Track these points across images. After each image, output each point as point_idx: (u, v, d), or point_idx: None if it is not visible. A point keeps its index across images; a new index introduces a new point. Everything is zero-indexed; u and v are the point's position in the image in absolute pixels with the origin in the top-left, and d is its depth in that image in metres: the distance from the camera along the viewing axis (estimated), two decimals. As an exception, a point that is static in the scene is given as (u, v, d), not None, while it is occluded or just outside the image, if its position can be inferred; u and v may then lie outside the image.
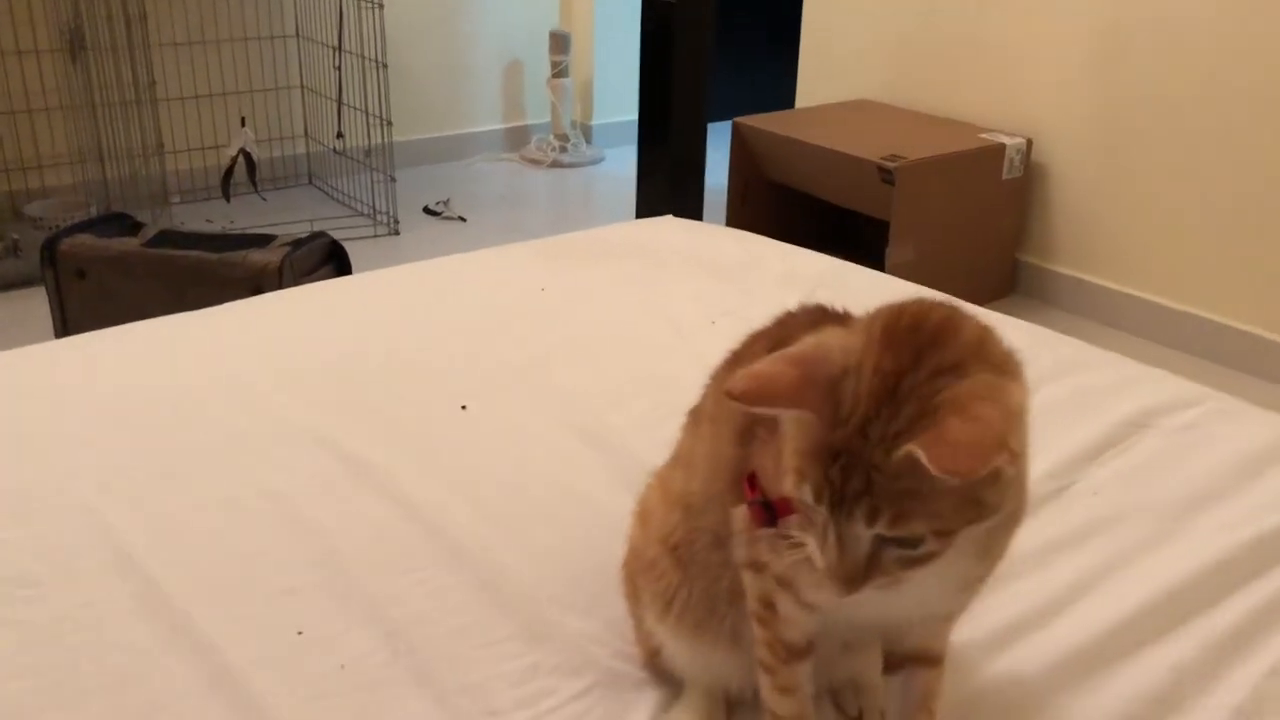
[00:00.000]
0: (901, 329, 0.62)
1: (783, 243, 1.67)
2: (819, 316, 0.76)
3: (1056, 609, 0.89)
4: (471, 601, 0.88)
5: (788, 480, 0.61)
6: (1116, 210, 2.87)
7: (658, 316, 1.39)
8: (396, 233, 3.47)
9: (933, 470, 0.54)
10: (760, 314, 1.41)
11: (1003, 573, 0.72)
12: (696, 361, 1.24)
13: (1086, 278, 2.98)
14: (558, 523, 0.98)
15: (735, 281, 1.50)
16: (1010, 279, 3.14)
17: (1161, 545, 0.97)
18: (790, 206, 3.23)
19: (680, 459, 0.82)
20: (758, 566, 0.70)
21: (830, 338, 0.65)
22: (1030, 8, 2.92)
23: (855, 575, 0.59)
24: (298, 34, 3.73)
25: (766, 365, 0.62)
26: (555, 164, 4.25)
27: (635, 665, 0.82)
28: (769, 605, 0.70)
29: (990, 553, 0.66)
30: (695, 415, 0.83)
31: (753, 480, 0.69)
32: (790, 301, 1.44)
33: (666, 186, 1.93)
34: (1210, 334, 2.71)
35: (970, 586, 0.68)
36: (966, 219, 2.96)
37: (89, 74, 3.13)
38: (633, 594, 0.83)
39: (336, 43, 3.53)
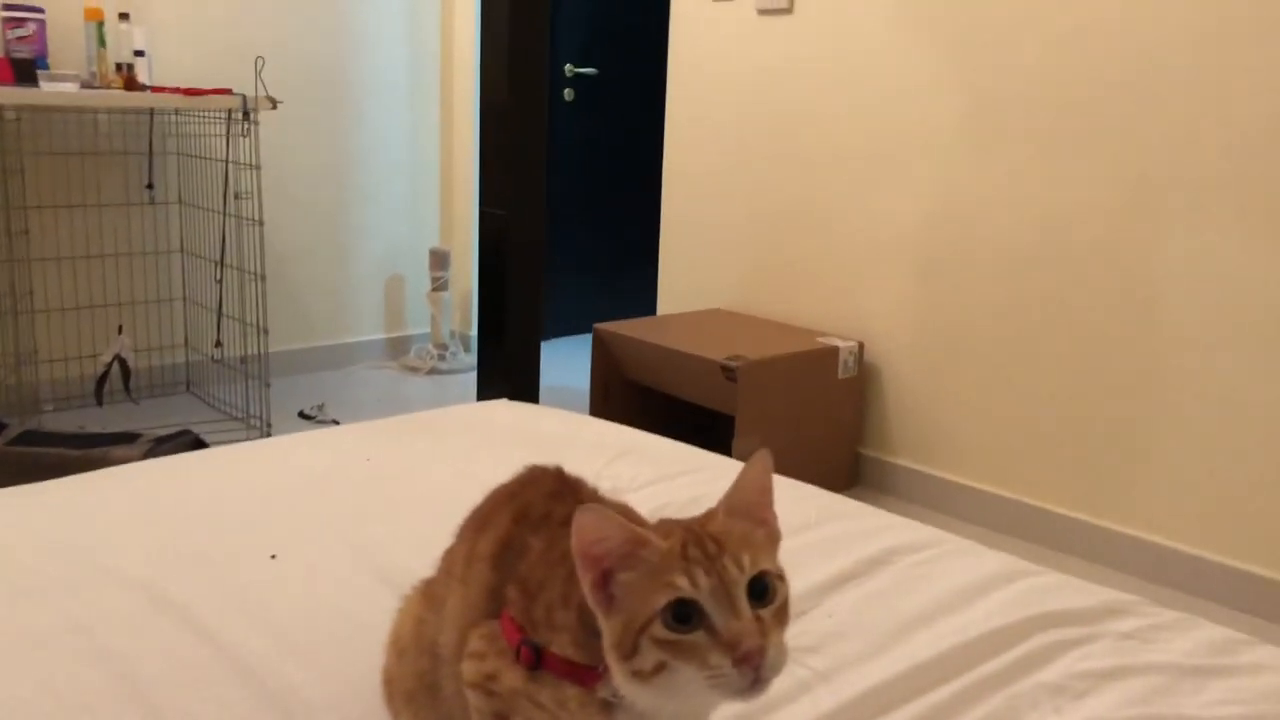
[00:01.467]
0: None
1: (602, 420, 1.84)
2: (558, 483, 0.92)
3: (781, 704, 1.02)
4: (256, 713, 0.97)
5: (658, 597, 0.70)
6: (942, 405, 3.14)
7: (471, 480, 1.52)
8: (269, 436, 3.56)
9: (752, 478, 0.76)
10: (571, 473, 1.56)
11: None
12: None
13: (921, 469, 3.21)
14: (347, 647, 1.08)
15: (549, 451, 1.65)
16: (853, 471, 3.36)
17: (874, 657, 1.11)
18: (648, 403, 3.43)
19: (434, 600, 0.91)
20: (488, 689, 0.80)
21: None
22: (859, 229, 3.27)
23: (761, 631, 0.70)
24: (182, 249, 3.92)
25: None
26: (434, 371, 4.43)
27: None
28: None
29: None
30: (448, 562, 0.93)
31: (512, 622, 0.80)
32: (597, 464, 1.60)
33: (505, 388, 2.08)
34: (1034, 519, 2.93)
35: None
36: (807, 414, 3.19)
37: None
38: (393, 707, 0.94)
39: (219, 257, 3.72)
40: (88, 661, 1.03)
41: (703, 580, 0.70)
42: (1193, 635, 1.17)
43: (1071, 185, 2.77)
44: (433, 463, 1.61)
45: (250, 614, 1.13)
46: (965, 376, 3.06)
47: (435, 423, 1.81)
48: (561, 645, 0.77)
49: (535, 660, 0.77)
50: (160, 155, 3.81)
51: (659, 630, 0.70)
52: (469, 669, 0.81)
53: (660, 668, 0.70)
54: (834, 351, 3.21)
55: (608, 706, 0.75)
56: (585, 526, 0.72)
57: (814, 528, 1.40)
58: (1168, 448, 2.66)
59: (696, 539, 0.73)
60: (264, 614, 1.13)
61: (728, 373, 3.01)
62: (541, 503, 0.88)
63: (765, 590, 0.73)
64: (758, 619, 0.71)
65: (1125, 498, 2.75)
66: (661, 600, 0.70)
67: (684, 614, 0.70)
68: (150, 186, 3.80)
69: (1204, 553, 2.62)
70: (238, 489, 1.50)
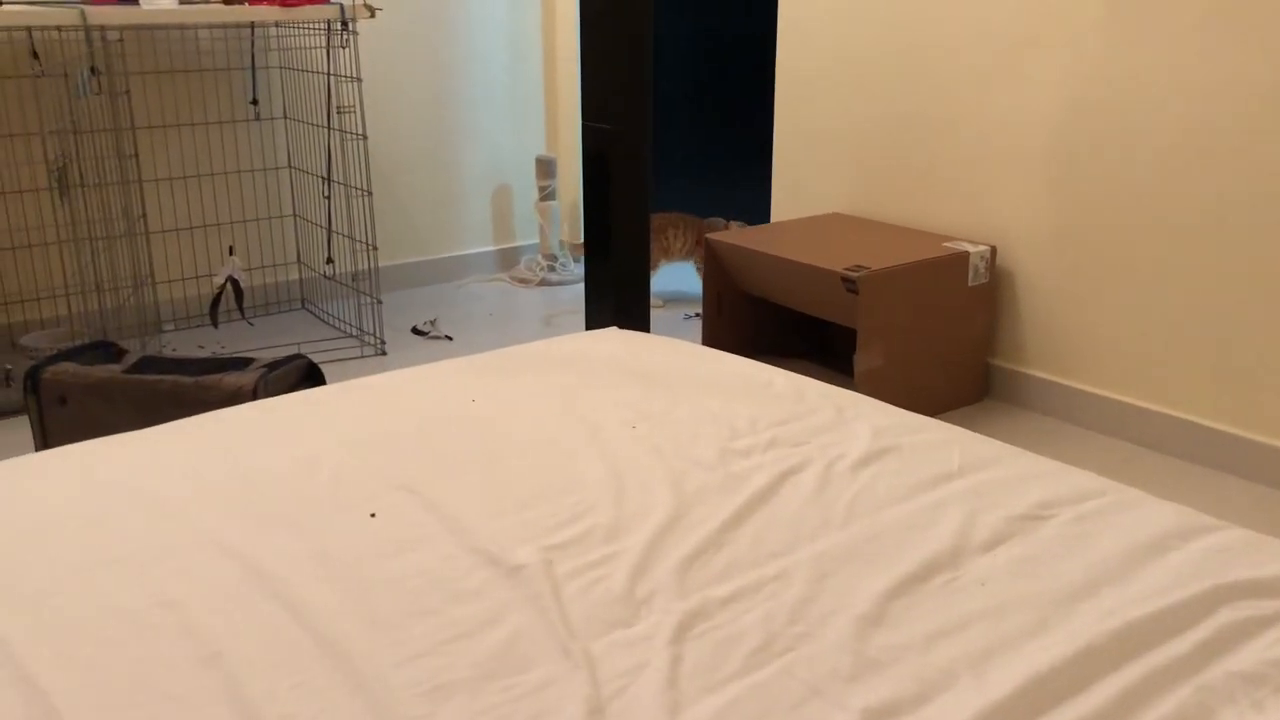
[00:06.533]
0: None
1: (715, 350, 1.71)
2: None
3: (930, 694, 0.90)
4: (344, 702, 0.89)
5: None
6: (1081, 313, 2.92)
7: (579, 423, 1.42)
8: (384, 353, 3.54)
9: None
10: (683, 417, 1.45)
11: (880, 658, 0.88)
12: (608, 465, 1.28)
13: (1056, 379, 3.01)
14: (439, 622, 1.00)
15: (662, 387, 1.54)
16: (984, 383, 3.17)
17: (1038, 634, 0.97)
18: (765, 317, 3.29)
19: None
20: None
21: None
22: (990, 125, 3.02)
23: None
24: (290, 165, 3.88)
25: None
26: (544, 282, 4.35)
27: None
28: None
29: None
30: None
31: None
32: (711, 406, 1.48)
33: (612, 307, 1.97)
34: (1177, 431, 2.72)
35: None
36: (935, 325, 3.01)
37: (80, 210, 3.26)
38: None
39: (325, 173, 3.67)
40: (176, 640, 0.97)
41: None
42: None
43: (1223, 76, 2.48)
44: (538, 402, 1.51)
45: (342, 585, 1.05)
46: (1105, 281, 2.83)
47: (543, 356, 1.71)
48: None
49: None
50: (263, 70, 3.75)
51: None
52: None
53: None
54: (963, 257, 3.00)
55: None
56: None
57: (958, 476, 1.26)
58: (1341, 359, 2.41)
59: None
60: (357, 585, 1.05)
61: (848, 284, 2.84)
62: None
63: None
64: None
65: (1277, 410, 2.52)
66: None
67: None
68: (255, 102, 3.75)
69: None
70: (339, 436, 1.43)
